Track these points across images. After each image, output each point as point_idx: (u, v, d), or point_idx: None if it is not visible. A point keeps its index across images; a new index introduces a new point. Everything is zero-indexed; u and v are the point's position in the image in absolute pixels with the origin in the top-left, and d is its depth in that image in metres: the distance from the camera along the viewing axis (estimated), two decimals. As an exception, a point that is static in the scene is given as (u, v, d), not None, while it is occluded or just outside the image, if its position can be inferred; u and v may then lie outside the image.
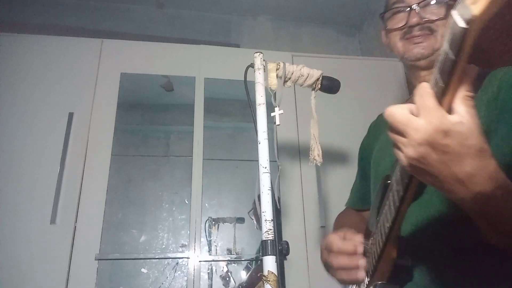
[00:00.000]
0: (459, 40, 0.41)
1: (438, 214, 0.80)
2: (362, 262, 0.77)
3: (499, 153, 0.57)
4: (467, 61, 0.44)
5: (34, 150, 1.65)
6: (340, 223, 1.11)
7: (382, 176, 0.81)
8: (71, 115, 1.71)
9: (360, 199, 1.13)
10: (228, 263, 1.91)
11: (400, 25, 0.95)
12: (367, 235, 0.84)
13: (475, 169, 0.49)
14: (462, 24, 0.40)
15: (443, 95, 0.46)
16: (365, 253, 0.80)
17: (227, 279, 1.86)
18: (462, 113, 0.47)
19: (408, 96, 2.08)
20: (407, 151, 0.50)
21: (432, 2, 0.91)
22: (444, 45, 0.45)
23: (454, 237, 0.77)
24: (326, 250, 0.83)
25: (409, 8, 0.92)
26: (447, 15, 0.88)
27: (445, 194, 0.54)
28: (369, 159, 1.06)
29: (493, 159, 0.51)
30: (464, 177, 0.50)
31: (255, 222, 1.95)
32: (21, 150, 1.64)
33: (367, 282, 0.79)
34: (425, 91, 0.48)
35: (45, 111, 1.72)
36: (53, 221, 1.54)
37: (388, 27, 0.98)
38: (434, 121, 0.47)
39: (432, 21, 0.90)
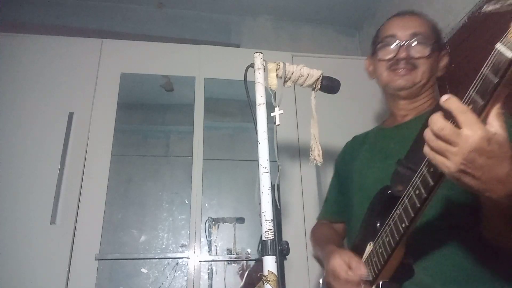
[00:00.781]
0: (505, 67, 0.53)
1: (437, 215, 0.86)
2: None
3: None
4: (505, 84, 0.55)
5: (34, 150, 1.64)
6: (321, 238, 1.19)
7: (374, 188, 0.94)
8: (71, 115, 1.71)
9: (338, 212, 1.22)
10: (228, 263, 1.91)
11: (389, 56, 1.08)
12: (357, 245, 0.93)
13: (511, 170, 0.59)
14: (510, 55, 0.53)
15: (481, 111, 0.57)
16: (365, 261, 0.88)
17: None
18: (497, 126, 0.58)
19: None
20: (457, 159, 0.57)
21: (419, 42, 1.04)
22: (484, 70, 0.55)
23: (453, 236, 0.85)
24: (332, 276, 0.91)
25: (399, 43, 1.05)
26: (430, 55, 1.04)
27: (483, 194, 0.62)
28: (348, 175, 1.15)
29: None
30: (503, 177, 0.59)
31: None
32: (21, 150, 1.64)
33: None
34: (464, 108, 0.57)
35: (45, 111, 1.72)
36: (53, 221, 1.54)
37: (379, 57, 1.10)
38: (480, 132, 0.56)
39: (417, 58, 1.04)
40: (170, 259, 1.83)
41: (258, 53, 0.97)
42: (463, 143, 0.56)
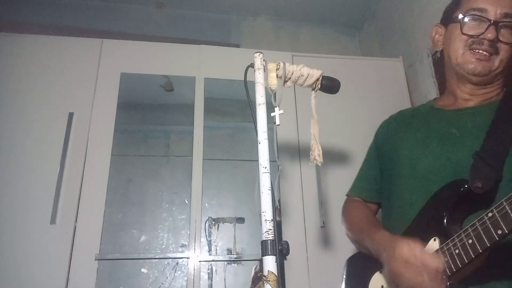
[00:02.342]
0: None
1: None
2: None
3: None
4: None
5: (34, 150, 1.64)
6: (364, 221, 1.06)
7: (431, 175, 0.86)
8: (71, 115, 1.71)
9: (375, 191, 1.11)
10: (228, 263, 1.91)
11: (473, 33, 0.94)
12: (412, 236, 0.82)
13: None
14: None
15: None
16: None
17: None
18: None
19: (407, 96, 2.08)
20: None
21: (509, 26, 0.91)
22: None
23: None
24: (404, 264, 0.79)
25: (491, 21, 0.92)
26: None
27: None
28: (392, 153, 1.04)
29: None
30: None
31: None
32: (21, 150, 1.64)
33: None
34: None
35: (45, 111, 1.72)
36: (53, 221, 1.54)
37: (462, 30, 0.96)
38: None
39: (505, 43, 0.92)
40: (170, 259, 1.83)
41: (258, 53, 0.97)
42: None
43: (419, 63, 2.10)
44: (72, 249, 1.54)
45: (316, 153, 0.97)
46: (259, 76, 0.94)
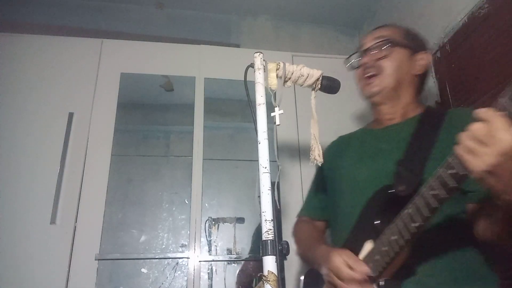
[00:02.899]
0: None
1: (438, 217, 0.85)
2: None
3: None
4: None
5: (34, 150, 1.64)
6: (308, 237, 1.17)
7: (367, 187, 0.95)
8: (71, 115, 1.71)
9: (321, 210, 1.21)
10: (228, 263, 1.91)
11: (357, 65, 1.13)
12: (351, 243, 0.93)
13: None
14: None
15: None
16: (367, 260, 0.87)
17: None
18: None
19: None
20: (487, 159, 0.60)
21: (380, 45, 1.07)
22: None
23: (452, 237, 0.88)
24: (333, 274, 0.88)
25: (362, 48, 1.10)
26: (389, 55, 1.07)
27: (501, 195, 0.65)
28: (334, 174, 1.15)
29: None
30: None
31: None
32: (21, 150, 1.64)
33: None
34: (499, 114, 0.59)
35: (45, 111, 1.72)
36: (53, 221, 1.54)
37: (354, 69, 1.15)
38: None
39: (378, 59, 1.07)
40: (170, 259, 1.82)
41: (258, 53, 0.97)
42: (496, 145, 0.59)
43: (419, 63, 2.10)
44: (72, 249, 1.54)
45: (316, 153, 0.97)
46: (259, 76, 0.94)
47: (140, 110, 2.26)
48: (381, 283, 0.83)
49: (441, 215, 0.87)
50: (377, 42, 1.07)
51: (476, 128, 0.61)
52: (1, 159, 1.61)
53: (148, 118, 2.29)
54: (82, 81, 1.81)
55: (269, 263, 0.73)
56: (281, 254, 0.76)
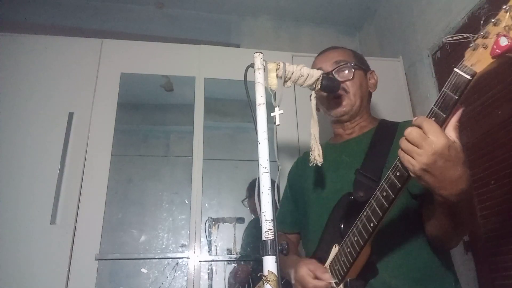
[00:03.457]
0: (463, 86, 0.66)
1: (395, 218, 0.95)
2: None
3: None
4: (462, 102, 0.67)
5: (34, 150, 1.65)
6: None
7: (332, 197, 1.02)
8: (71, 115, 1.71)
9: (292, 223, 1.26)
10: (228, 263, 1.91)
11: None
12: (321, 250, 0.99)
13: (462, 173, 0.72)
14: (468, 77, 0.65)
15: (442, 123, 0.69)
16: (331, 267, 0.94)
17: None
18: (454, 136, 0.70)
19: (407, 96, 2.08)
20: (422, 159, 0.69)
21: (343, 68, 1.14)
22: (445, 90, 0.68)
23: (411, 237, 0.95)
24: (300, 284, 0.96)
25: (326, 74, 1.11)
26: (354, 77, 1.15)
27: (437, 191, 0.74)
28: (302, 188, 1.21)
29: (468, 168, 0.72)
30: (456, 178, 0.71)
31: (249, 210, 1.98)
32: (21, 150, 1.64)
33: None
34: (430, 120, 0.70)
35: (45, 111, 1.72)
36: (53, 221, 1.54)
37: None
38: (443, 139, 0.68)
39: (344, 81, 1.13)
40: (170, 259, 1.82)
41: (258, 53, 0.97)
42: (428, 146, 0.68)
43: (419, 63, 2.10)
44: (72, 249, 1.54)
45: (316, 153, 0.97)
46: (259, 76, 0.94)
47: (140, 110, 2.26)
48: (348, 283, 0.89)
49: (395, 210, 0.91)
50: (339, 66, 1.15)
51: (410, 131, 0.70)
52: (1, 159, 1.61)
53: (148, 118, 2.29)
54: (82, 81, 1.81)
55: (269, 263, 0.73)
56: (281, 254, 0.75)
